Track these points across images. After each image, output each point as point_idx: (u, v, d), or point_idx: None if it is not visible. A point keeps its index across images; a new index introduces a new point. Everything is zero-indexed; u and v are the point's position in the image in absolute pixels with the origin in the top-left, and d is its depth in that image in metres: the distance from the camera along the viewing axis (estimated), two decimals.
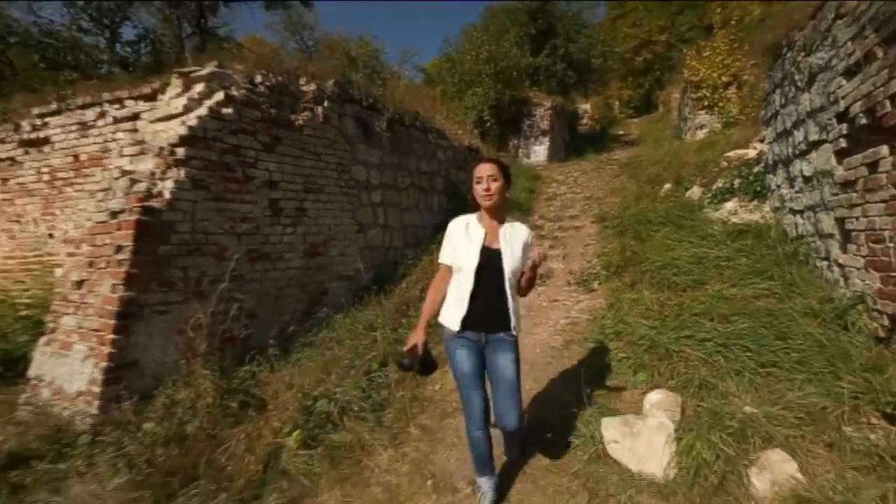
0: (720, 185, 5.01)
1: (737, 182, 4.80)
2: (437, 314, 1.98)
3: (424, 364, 1.88)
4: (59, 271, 3.97)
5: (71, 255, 4.40)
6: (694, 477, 1.81)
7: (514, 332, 1.92)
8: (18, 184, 4.63)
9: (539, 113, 12.62)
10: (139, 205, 2.70)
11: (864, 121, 2.35)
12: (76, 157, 4.31)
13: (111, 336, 2.53)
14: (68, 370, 2.66)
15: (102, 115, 4.13)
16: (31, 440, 2.27)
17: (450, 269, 1.95)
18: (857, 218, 2.49)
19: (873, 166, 2.31)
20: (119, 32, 7.08)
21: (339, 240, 4.14)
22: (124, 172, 2.92)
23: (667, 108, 17.25)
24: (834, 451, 1.83)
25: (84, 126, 4.23)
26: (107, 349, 2.52)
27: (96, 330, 2.61)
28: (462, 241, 1.91)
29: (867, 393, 2.03)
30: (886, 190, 2.19)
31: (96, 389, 2.48)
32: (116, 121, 4.06)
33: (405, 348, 1.91)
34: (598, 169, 8.39)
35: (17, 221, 4.68)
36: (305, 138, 3.81)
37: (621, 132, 18.36)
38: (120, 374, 2.54)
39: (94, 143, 4.20)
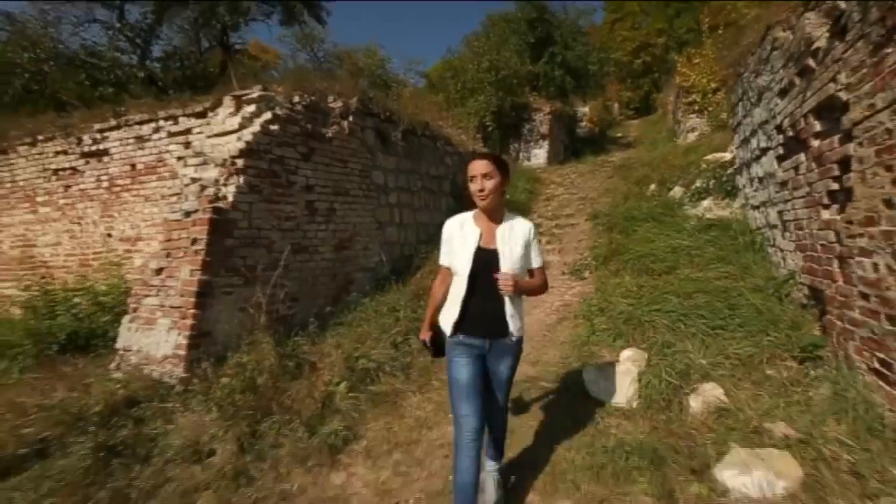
0: (698, 185, 5.63)
1: (712, 183, 5.41)
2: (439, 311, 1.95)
3: (437, 349, 1.98)
4: (137, 261, 4.60)
5: (127, 251, 5.08)
6: (648, 403, 2.43)
7: (514, 337, 1.83)
8: (80, 190, 5.29)
9: (538, 118, 13.25)
10: (210, 206, 3.34)
11: (790, 133, 2.97)
12: (133, 166, 4.96)
13: (192, 311, 3.17)
14: (154, 340, 3.29)
15: (157, 129, 4.79)
16: (136, 389, 2.91)
17: (450, 271, 1.88)
18: (789, 210, 3.11)
19: (797, 169, 2.93)
20: (149, 50, 7.80)
21: (363, 236, 4.78)
22: (193, 179, 3.56)
23: (664, 111, 17.84)
24: (756, 385, 2.44)
25: (140, 139, 4.88)
26: (189, 321, 3.16)
27: (178, 307, 3.25)
28: (456, 242, 1.83)
29: (786, 344, 2.65)
30: (804, 188, 2.81)
31: (181, 353, 3.12)
32: (170, 135, 4.72)
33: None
34: (594, 171, 9.00)
35: (79, 223, 5.33)
36: (334, 148, 4.46)
37: (619, 134, 18.97)
38: (199, 341, 3.18)
39: (150, 154, 4.85)
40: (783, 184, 3.23)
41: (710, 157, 6.21)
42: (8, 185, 5.71)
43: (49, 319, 3.92)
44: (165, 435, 2.52)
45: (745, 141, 4.29)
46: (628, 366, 2.74)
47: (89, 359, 3.60)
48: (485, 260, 1.76)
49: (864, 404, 1.98)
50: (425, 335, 2.01)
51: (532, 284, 1.87)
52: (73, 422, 2.55)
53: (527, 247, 1.82)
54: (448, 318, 1.83)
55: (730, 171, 5.35)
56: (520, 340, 1.89)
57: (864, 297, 2.09)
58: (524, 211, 7.36)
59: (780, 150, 3.24)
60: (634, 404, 2.49)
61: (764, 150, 3.66)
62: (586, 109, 20.20)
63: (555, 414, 2.55)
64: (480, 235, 1.80)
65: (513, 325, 1.81)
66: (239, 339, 3.33)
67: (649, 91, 26.93)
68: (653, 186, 6.32)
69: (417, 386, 3.04)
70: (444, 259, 1.91)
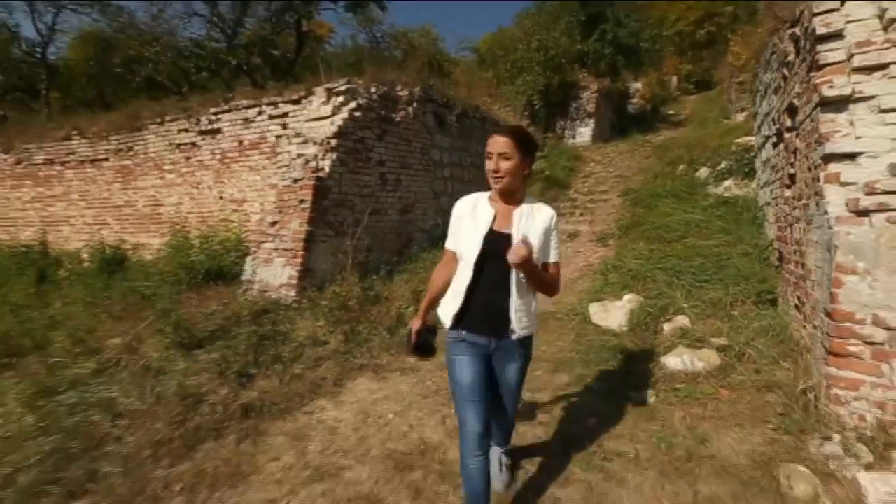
0: (723, 166, 6.20)
1: (734, 165, 5.98)
2: (437, 303, 1.76)
3: (422, 349, 1.83)
4: (255, 217, 5.87)
5: (234, 210, 6.39)
6: (632, 327, 3.34)
7: (515, 334, 1.60)
8: (198, 161, 6.66)
9: (586, 96, 13.57)
10: (313, 175, 4.48)
11: (777, 125, 3.65)
12: (240, 142, 6.23)
13: (301, 252, 4.36)
14: (272, 273, 4.53)
15: (261, 112, 5.99)
16: (264, 305, 4.15)
17: (455, 256, 1.70)
18: (774, 189, 3.81)
19: (778, 156, 3.63)
20: (238, 39, 9.05)
21: (422, 203, 5.83)
22: (299, 155, 4.72)
23: (721, 88, 17.40)
24: (717, 318, 3.28)
25: (247, 120, 6.12)
26: (298, 260, 4.36)
27: (289, 250, 4.46)
28: (466, 224, 1.65)
29: (750, 293, 3.45)
30: (780, 171, 3.52)
31: (294, 282, 4.34)
32: (271, 117, 5.91)
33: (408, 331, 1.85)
34: (633, 151, 9.52)
35: (196, 187, 6.73)
36: (401, 130, 5.48)
37: (672, 112, 18.64)
38: (305, 274, 4.38)
39: (254, 133, 6.08)
40: (773, 167, 3.91)
41: (740, 140, 6.69)
42: (141, 156, 7.21)
43: (191, 258, 5.29)
44: (293, 331, 3.72)
45: (759, 128, 4.88)
46: (625, 304, 3.64)
47: (223, 286, 4.92)
48: (496, 245, 1.54)
49: (783, 328, 2.80)
50: (416, 325, 1.80)
51: (542, 273, 1.60)
52: (234, 320, 3.81)
53: (546, 236, 1.60)
54: (449, 310, 1.64)
55: (752, 154, 5.89)
56: (527, 340, 1.67)
57: (796, 253, 2.87)
58: (563, 186, 8.13)
59: (774, 139, 3.91)
60: (624, 328, 3.41)
61: (767, 138, 4.30)
62: (639, 85, 19.93)
63: (563, 331, 3.52)
64: (494, 217, 1.60)
65: (516, 321, 1.58)
66: (332, 276, 4.50)
67: (711, 66, 25.79)
68: (682, 167, 6.91)
69: None
70: (451, 242, 1.72)
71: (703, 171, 6.42)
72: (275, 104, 5.87)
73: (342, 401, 2.86)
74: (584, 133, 13.40)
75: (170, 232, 6.63)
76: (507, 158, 1.54)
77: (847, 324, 2.01)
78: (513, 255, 1.44)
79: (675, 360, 2.68)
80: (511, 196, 1.63)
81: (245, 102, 6.15)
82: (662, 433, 2.15)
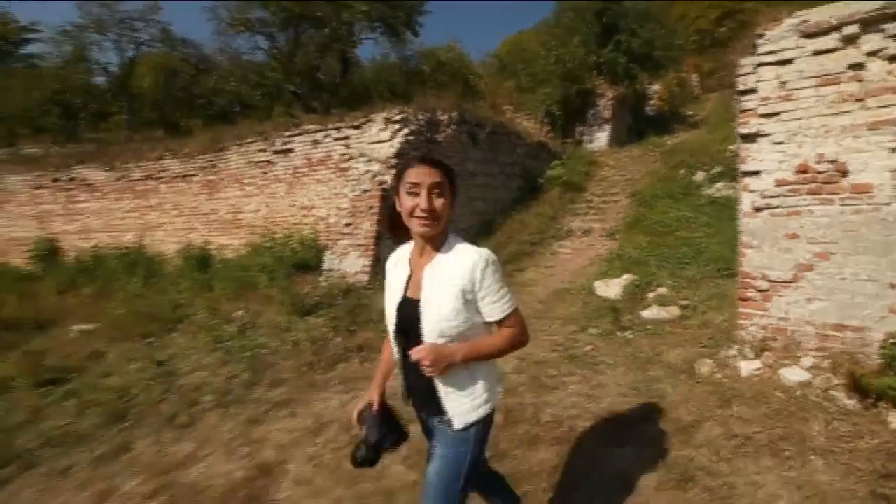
0: (716, 170, 7.34)
1: (725, 169, 7.12)
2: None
3: (379, 437, 1.34)
4: (332, 219, 7.30)
5: (304, 215, 7.86)
6: (624, 295, 4.59)
7: (452, 424, 1.29)
8: (273, 175, 8.19)
9: (602, 103, 14.66)
10: (379, 187, 5.89)
11: None
12: (309, 159, 7.72)
13: (373, 247, 5.77)
14: (349, 263, 5.95)
15: (327, 135, 7.47)
16: (343, 288, 5.54)
17: None
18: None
19: None
20: (293, 68, 10.63)
21: (460, 207, 7.17)
22: (367, 170, 6.13)
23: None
24: (688, 289, 4.50)
25: (315, 142, 7.60)
26: (371, 253, 5.77)
27: (362, 245, 5.87)
28: (388, 288, 1.41)
29: (717, 271, 4.65)
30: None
31: (367, 270, 5.74)
32: (335, 139, 7.37)
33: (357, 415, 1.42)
34: (644, 155, 10.65)
35: (272, 197, 8.26)
36: (442, 147, 6.85)
37: (690, 112, 19.39)
38: (375, 264, 5.77)
39: (321, 152, 7.56)
40: None
41: (733, 146, 7.80)
42: (224, 172, 8.80)
43: (280, 254, 6.77)
44: (373, 303, 5.10)
45: None
46: (622, 281, 4.90)
47: (307, 275, 6.38)
48: (409, 316, 1.29)
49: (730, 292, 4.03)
50: (372, 397, 1.44)
51: (489, 346, 1.27)
52: (328, 297, 5.23)
53: (465, 296, 1.23)
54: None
55: None
56: (467, 430, 1.29)
57: None
58: (579, 189, 9.33)
59: None
60: (619, 297, 4.67)
61: None
62: (657, 87, 20.76)
63: (574, 301, 4.81)
64: (409, 278, 1.34)
65: (451, 406, 1.28)
66: None
67: (732, 63, 26.25)
68: (683, 171, 8.06)
69: None
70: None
71: (700, 175, 7.57)
72: (339, 128, 7.33)
73: None
74: (601, 138, 14.47)
75: (248, 235, 8.19)
76: (441, 195, 1.25)
77: (748, 280, 3.25)
78: (425, 369, 1.19)
79: (648, 313, 3.94)
80: (433, 241, 1.29)
81: (313, 127, 7.64)
82: (632, 351, 3.43)
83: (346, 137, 7.27)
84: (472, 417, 1.29)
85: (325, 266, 6.22)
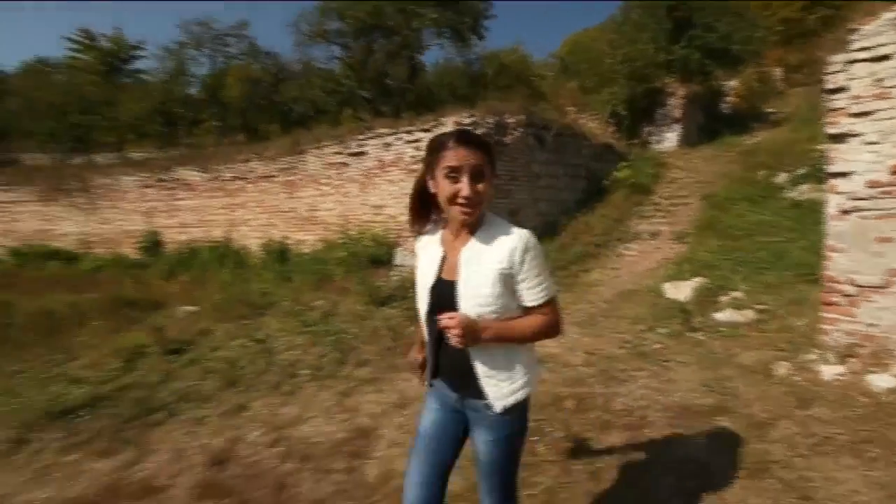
0: (801, 172, 6.95)
1: (811, 170, 6.73)
2: None
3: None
4: (392, 219, 7.81)
5: (376, 214, 8.35)
6: (697, 298, 4.55)
7: (492, 407, 1.26)
8: (347, 176, 8.79)
9: (672, 102, 14.12)
10: None
11: None
12: (381, 161, 8.22)
13: None
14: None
15: (398, 138, 7.92)
16: (411, 282, 5.92)
17: None
18: None
19: None
20: (365, 74, 11.32)
21: (525, 208, 7.35)
22: None
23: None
24: (766, 294, 4.39)
25: (387, 144, 8.08)
26: None
27: None
28: (420, 267, 1.37)
29: (799, 276, 4.48)
30: None
31: None
32: (406, 142, 7.80)
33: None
34: (718, 156, 10.20)
35: (346, 196, 8.87)
36: (510, 150, 7.05)
37: (772, 110, 18.07)
38: None
39: (393, 154, 8.03)
40: None
41: (821, 146, 7.33)
42: (302, 173, 9.56)
43: (353, 250, 7.31)
44: None
45: None
46: (692, 283, 4.86)
47: (379, 269, 6.83)
48: (445, 296, 1.26)
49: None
50: (418, 354, 1.54)
51: (520, 329, 1.23)
52: (402, 288, 5.62)
53: (505, 278, 1.20)
54: (429, 366, 1.41)
55: None
56: (508, 413, 1.27)
57: None
58: (646, 192, 9.14)
59: None
60: (689, 299, 4.64)
61: None
62: (734, 83, 19.51)
63: (641, 301, 4.83)
64: (443, 260, 1.30)
65: (490, 389, 1.25)
66: None
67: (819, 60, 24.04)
68: (762, 172, 7.69)
69: (567, 288, 5.55)
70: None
71: (782, 177, 7.20)
72: (409, 132, 7.76)
73: None
74: (670, 138, 13.93)
75: (323, 231, 8.85)
76: (482, 177, 1.19)
77: (833, 284, 3.18)
78: (450, 336, 1.14)
79: (721, 315, 3.92)
80: (471, 225, 1.25)
81: (385, 130, 8.13)
82: (704, 352, 3.45)
83: (416, 140, 7.67)
84: (511, 401, 1.26)
85: (397, 261, 6.64)
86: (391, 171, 8.07)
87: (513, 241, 1.20)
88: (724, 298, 4.42)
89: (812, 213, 5.70)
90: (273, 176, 10.00)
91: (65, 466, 2.46)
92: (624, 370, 3.32)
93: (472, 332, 1.16)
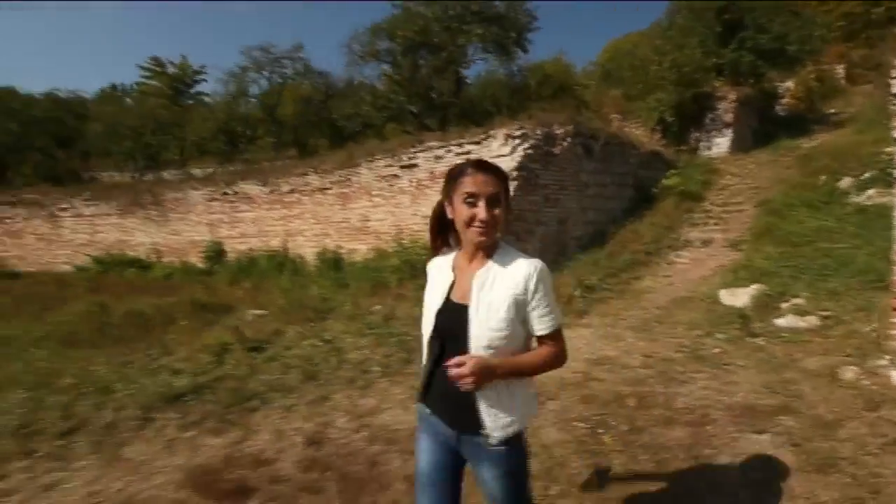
0: (867, 176, 6.72)
1: (879, 174, 6.50)
2: None
3: None
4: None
5: (427, 224, 8.77)
6: (756, 305, 4.55)
7: (492, 439, 1.25)
8: (398, 187, 9.23)
9: (723, 106, 13.63)
10: None
11: None
12: (432, 173, 8.59)
13: None
14: None
15: (448, 150, 8.27)
16: None
17: None
18: None
19: None
20: (413, 89, 11.86)
21: (573, 216, 7.50)
22: None
23: None
24: (828, 300, 4.33)
25: (437, 157, 8.45)
26: None
27: None
28: (429, 289, 1.38)
29: (866, 284, 4.40)
30: None
31: None
32: (456, 154, 8.13)
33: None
34: (774, 161, 9.91)
35: (397, 207, 9.31)
36: (559, 159, 7.24)
37: (833, 110, 17.17)
38: None
39: (443, 166, 8.37)
40: None
41: (890, 149, 7.04)
42: (355, 185, 10.10)
43: (405, 258, 7.67)
44: None
45: None
46: (750, 290, 4.85)
47: None
48: (452, 321, 1.26)
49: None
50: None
51: (529, 363, 1.26)
52: None
53: (518, 306, 1.22)
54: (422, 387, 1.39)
55: None
56: (509, 443, 1.27)
57: None
58: (697, 199, 9.01)
59: None
60: (747, 305, 4.64)
61: None
62: (790, 84, 18.66)
63: (696, 308, 4.87)
64: (452, 283, 1.32)
65: (490, 420, 1.24)
66: None
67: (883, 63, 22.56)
68: (823, 177, 7.46)
69: (618, 294, 5.65)
70: None
71: (846, 181, 6.97)
72: (460, 144, 8.10)
73: None
74: (720, 144, 13.49)
75: (375, 241, 9.30)
76: (498, 203, 1.23)
77: None
78: (458, 381, 1.13)
79: (783, 321, 3.93)
80: (486, 249, 1.28)
81: (435, 143, 8.52)
82: (765, 356, 3.50)
83: (467, 152, 7.99)
84: (510, 431, 1.26)
85: None
86: (441, 183, 8.41)
87: (528, 269, 1.22)
88: (784, 305, 4.41)
89: (880, 219, 5.53)
90: (327, 188, 10.61)
91: (186, 441, 2.87)
92: (682, 372, 3.42)
93: (488, 373, 1.16)
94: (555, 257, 7.02)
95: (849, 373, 3.00)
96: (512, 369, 1.22)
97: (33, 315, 7.38)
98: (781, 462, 2.30)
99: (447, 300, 1.30)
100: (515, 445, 1.29)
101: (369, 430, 2.93)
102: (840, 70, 21.57)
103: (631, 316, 5.01)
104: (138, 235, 13.91)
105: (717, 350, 3.76)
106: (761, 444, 2.46)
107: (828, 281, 4.73)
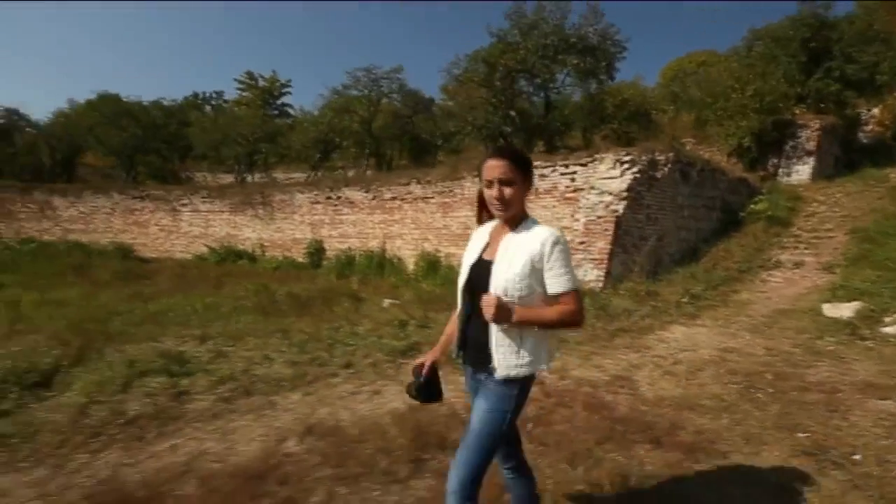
0: None
1: None
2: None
3: (425, 390, 1.67)
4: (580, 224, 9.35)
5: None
6: (859, 316, 5.34)
7: (496, 372, 1.47)
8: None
9: (805, 134, 13.80)
10: (612, 214, 7.51)
11: None
12: (536, 189, 9.72)
13: (606, 261, 7.38)
14: (582, 274, 7.64)
15: (553, 170, 9.40)
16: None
17: None
18: None
19: None
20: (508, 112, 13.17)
21: (669, 234, 8.43)
22: (599, 201, 7.82)
23: None
24: None
25: (542, 175, 9.59)
26: (604, 266, 7.39)
27: (596, 259, 7.52)
28: (467, 250, 1.67)
29: None
30: None
31: (601, 279, 7.36)
32: (561, 174, 9.25)
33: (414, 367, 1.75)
34: (864, 191, 10.40)
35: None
36: (659, 183, 8.21)
37: None
38: (608, 275, 7.36)
39: (547, 183, 9.50)
40: None
41: None
42: (458, 196, 11.40)
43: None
44: (610, 304, 6.66)
45: None
46: (851, 305, 5.66)
47: None
48: (480, 274, 1.53)
49: None
50: (427, 357, 1.74)
51: (543, 314, 1.44)
52: None
53: (534, 264, 1.43)
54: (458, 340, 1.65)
55: None
56: (508, 384, 1.47)
57: None
58: (784, 224, 9.68)
59: None
60: (850, 317, 5.44)
61: None
62: (875, 111, 18.42)
63: (796, 317, 5.71)
64: (486, 244, 1.61)
65: (498, 357, 1.47)
66: (623, 278, 7.40)
67: None
68: None
69: (721, 303, 6.54)
70: None
71: None
72: (566, 164, 9.21)
73: (665, 336, 5.63)
74: (801, 171, 13.63)
75: None
76: (510, 183, 1.46)
77: None
78: (485, 311, 1.39)
79: (889, 329, 4.75)
80: (511, 222, 1.54)
81: (540, 162, 9.66)
82: (878, 354, 4.36)
83: (572, 172, 9.10)
84: (513, 372, 1.46)
85: None
86: (545, 199, 9.56)
87: (544, 235, 1.45)
88: (888, 318, 5.20)
89: None
90: (430, 198, 11.98)
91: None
92: (805, 361, 4.34)
93: (505, 311, 1.39)
94: (653, 268, 7.97)
95: None
96: (527, 315, 1.43)
97: (205, 292, 9.02)
98: None
99: (480, 258, 1.58)
100: (513, 388, 1.49)
101: (571, 380, 4.04)
102: None
103: (740, 321, 5.91)
104: (245, 231, 15.84)
105: (830, 348, 4.64)
106: (886, 406, 3.38)
107: None
